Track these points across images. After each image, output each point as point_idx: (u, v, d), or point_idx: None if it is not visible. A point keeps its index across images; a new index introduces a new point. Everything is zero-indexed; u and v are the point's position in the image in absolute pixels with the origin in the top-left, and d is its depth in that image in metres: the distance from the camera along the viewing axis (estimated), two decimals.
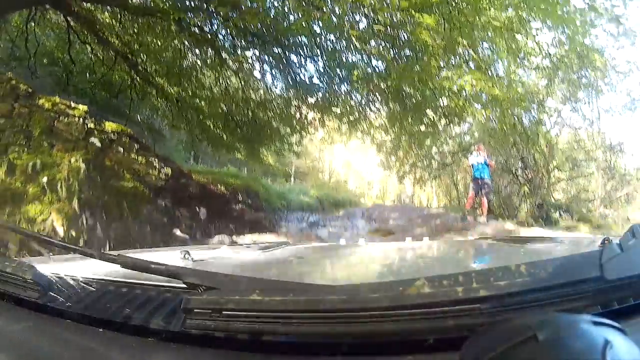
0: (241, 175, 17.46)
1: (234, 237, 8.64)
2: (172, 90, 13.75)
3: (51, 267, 1.29)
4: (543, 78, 15.01)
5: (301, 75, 13.46)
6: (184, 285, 0.98)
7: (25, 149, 7.32)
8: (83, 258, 1.46)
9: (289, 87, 13.97)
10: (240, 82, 14.05)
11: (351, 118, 14.25)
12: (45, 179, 6.95)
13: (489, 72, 10.56)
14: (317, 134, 16.58)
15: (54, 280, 1.15)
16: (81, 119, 8.14)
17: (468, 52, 10.21)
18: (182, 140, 18.27)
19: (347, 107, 13.93)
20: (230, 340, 0.86)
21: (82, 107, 8.47)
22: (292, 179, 26.10)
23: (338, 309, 0.80)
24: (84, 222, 6.90)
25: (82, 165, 7.31)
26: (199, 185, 10.62)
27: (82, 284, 1.13)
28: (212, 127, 14.46)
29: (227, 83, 14.29)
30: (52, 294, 1.11)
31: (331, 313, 0.80)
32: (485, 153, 12.40)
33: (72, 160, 7.33)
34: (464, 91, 10.70)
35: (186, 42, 12.70)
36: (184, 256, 1.39)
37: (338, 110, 14.13)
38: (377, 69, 11.89)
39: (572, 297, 0.74)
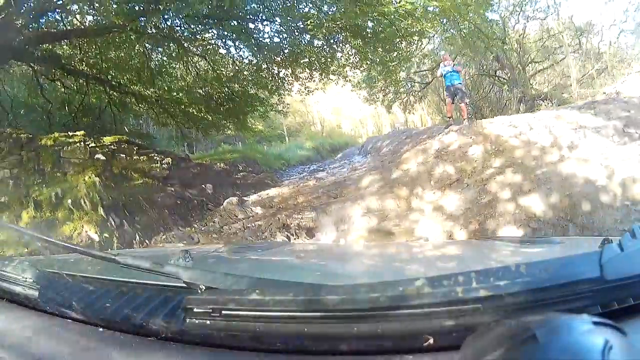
0: (237, 149, 18.12)
1: (244, 198, 9.22)
2: (148, 92, 14.18)
3: (51, 266, 1.33)
4: None
5: (262, 39, 13.74)
6: (184, 285, 1.00)
7: (44, 185, 8.09)
8: (83, 258, 1.51)
9: (255, 53, 14.24)
10: (209, 64, 14.46)
11: (319, 64, 14.64)
12: (69, 201, 7.71)
13: None
14: (292, 87, 16.84)
15: (54, 280, 1.17)
16: (82, 143, 8.99)
17: None
18: (172, 136, 18.82)
19: (313, 54, 14.31)
20: (230, 340, 0.88)
21: (80, 133, 9.30)
22: (287, 138, 26.35)
23: (338, 309, 0.81)
24: (112, 223, 7.58)
25: (96, 179, 8.07)
26: (199, 166, 11.38)
27: (82, 284, 1.15)
28: (195, 113, 15.02)
29: (197, 68, 14.71)
30: (52, 293, 1.12)
31: (331, 313, 0.82)
32: (451, 60, 12.51)
33: (86, 178, 8.10)
34: (415, 11, 11.11)
35: (147, 45, 13.05)
36: (184, 256, 1.38)
37: (306, 60, 14.54)
38: (329, 12, 12.07)
39: (572, 297, 0.74)
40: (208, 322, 0.89)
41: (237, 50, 14.93)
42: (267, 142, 22.58)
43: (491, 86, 19.34)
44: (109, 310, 1.01)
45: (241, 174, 12.68)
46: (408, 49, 15.61)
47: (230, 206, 8.72)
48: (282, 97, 17.11)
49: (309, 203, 7.96)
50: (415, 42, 15.41)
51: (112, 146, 9.42)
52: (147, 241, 7.63)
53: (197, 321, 0.90)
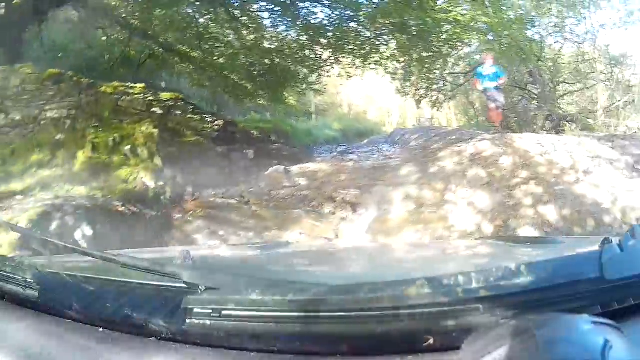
0: (267, 119, 18.33)
1: (288, 168, 9.74)
2: (194, 53, 14.68)
3: (51, 267, 1.34)
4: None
5: (311, 20, 14.24)
6: (184, 285, 1.01)
7: (101, 129, 8.42)
8: (83, 258, 1.52)
9: (302, 32, 14.72)
10: (255, 34, 14.96)
11: (362, 52, 15.15)
12: (127, 148, 8.11)
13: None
14: (333, 70, 17.19)
15: (54, 280, 1.19)
16: (141, 95, 9.42)
17: None
18: (203, 98, 18.66)
19: (358, 43, 14.80)
20: (230, 340, 0.91)
21: (140, 86, 9.70)
22: (314, 116, 26.60)
23: (338, 309, 0.85)
24: (167, 174, 7.97)
25: (155, 131, 8.45)
26: (242, 132, 11.79)
27: (82, 284, 1.16)
28: (236, 79, 15.48)
29: (242, 37, 15.04)
30: (52, 293, 1.14)
31: (331, 313, 0.85)
32: (492, 61, 11.88)
33: (143, 128, 8.47)
34: (463, 22, 11.65)
35: (196, 7, 13.50)
36: (184, 256, 1.39)
37: (351, 47, 15.00)
38: (379, 6, 12.65)
39: (572, 297, 0.77)
40: (208, 322, 0.91)
41: (284, 26, 15.32)
42: (295, 117, 22.56)
43: (520, 99, 19.67)
44: (109, 311, 1.03)
45: (276, 144, 13.00)
46: (447, 51, 16.12)
47: (276, 174, 9.30)
48: (321, 77, 17.59)
49: (351, 182, 8.59)
50: (453, 48, 15.95)
51: (169, 102, 9.84)
52: (198, 193, 8.13)
53: (197, 321, 0.92)
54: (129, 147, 8.17)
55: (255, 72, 15.42)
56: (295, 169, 9.86)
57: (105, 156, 7.99)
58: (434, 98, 22.22)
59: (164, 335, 0.96)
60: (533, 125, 17.49)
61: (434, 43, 14.05)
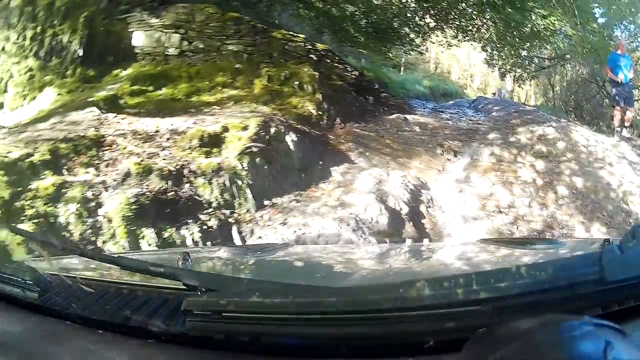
0: (366, 67, 19.29)
1: (406, 116, 11.72)
2: (318, 4, 15.98)
3: (51, 268, 1.40)
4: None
5: None
6: (184, 287, 1.05)
7: (272, 65, 9.87)
8: (83, 259, 1.62)
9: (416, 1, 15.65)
10: None
11: (466, 28, 17.41)
12: (296, 83, 9.52)
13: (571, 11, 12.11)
14: (436, 38, 19.26)
15: (54, 281, 1.23)
16: (302, 43, 10.99)
17: None
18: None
19: (463, 19, 16.91)
20: (230, 342, 0.94)
21: (301, 35, 11.02)
22: (402, 69, 27.71)
23: (338, 310, 0.87)
24: (324, 106, 9.71)
25: (315, 73, 9.93)
26: (367, 81, 13.92)
27: (82, 285, 1.20)
28: (352, 31, 17.27)
29: None
30: (52, 295, 1.17)
31: (331, 315, 0.88)
32: (625, 49, 10.54)
33: (306, 69, 9.95)
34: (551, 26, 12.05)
35: None
36: (184, 258, 1.46)
37: (456, 22, 16.87)
38: None
39: (572, 298, 0.80)
40: (208, 324, 0.94)
41: None
42: (387, 68, 23.66)
43: (595, 94, 21.23)
44: (109, 312, 1.07)
45: (383, 94, 14.87)
46: (536, 43, 17.65)
47: (398, 119, 11.53)
48: (425, 42, 19.31)
49: (453, 136, 10.94)
50: (541, 43, 17.19)
51: (322, 52, 11.63)
52: (343, 124, 10.22)
53: (196, 323, 0.95)
54: (297, 82, 9.61)
55: (369, 28, 17.18)
56: (409, 117, 11.87)
57: (278, 86, 9.54)
58: (518, 75, 23.76)
59: (163, 337, 0.99)
60: (601, 120, 18.41)
61: (527, 35, 15.49)
